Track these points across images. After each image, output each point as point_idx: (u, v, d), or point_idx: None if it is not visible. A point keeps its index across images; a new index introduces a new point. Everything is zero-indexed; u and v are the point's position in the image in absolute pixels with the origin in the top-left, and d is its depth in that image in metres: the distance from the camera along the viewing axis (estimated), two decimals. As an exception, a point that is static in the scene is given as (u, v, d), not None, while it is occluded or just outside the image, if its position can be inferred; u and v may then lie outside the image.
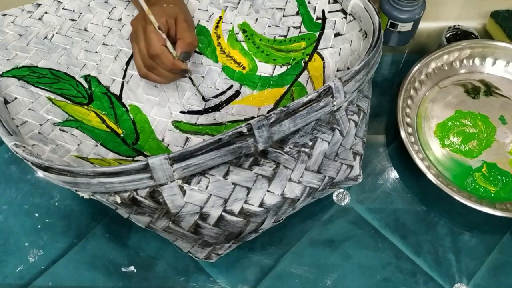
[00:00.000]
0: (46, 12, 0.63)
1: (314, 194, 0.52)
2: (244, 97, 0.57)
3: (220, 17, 0.64)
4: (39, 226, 0.60)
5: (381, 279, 0.56)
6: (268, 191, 0.47)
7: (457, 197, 0.56)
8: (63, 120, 0.53)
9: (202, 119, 0.55)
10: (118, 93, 0.57)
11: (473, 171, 0.61)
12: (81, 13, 0.64)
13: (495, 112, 0.66)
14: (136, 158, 0.52)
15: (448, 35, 0.72)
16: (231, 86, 0.58)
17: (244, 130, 0.40)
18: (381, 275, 0.56)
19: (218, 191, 0.45)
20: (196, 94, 0.57)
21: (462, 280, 0.56)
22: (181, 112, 0.56)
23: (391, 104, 0.69)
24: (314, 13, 0.62)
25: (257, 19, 0.63)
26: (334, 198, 0.61)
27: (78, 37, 0.61)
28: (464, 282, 0.55)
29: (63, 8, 0.64)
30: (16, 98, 0.54)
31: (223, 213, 0.46)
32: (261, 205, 0.47)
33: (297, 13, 0.63)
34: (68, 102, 0.55)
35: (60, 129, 0.52)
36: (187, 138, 0.54)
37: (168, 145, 0.53)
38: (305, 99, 0.43)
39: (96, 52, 0.60)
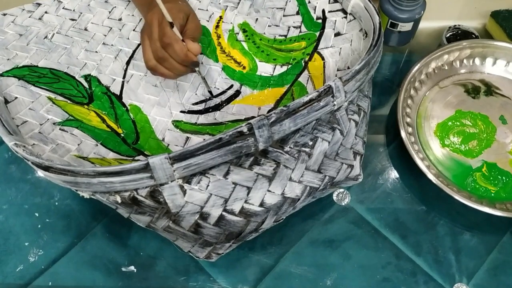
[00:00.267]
0: (46, 12, 0.63)
1: (315, 194, 0.52)
2: (245, 96, 0.57)
3: (220, 17, 0.64)
4: (39, 226, 0.60)
5: (381, 279, 0.56)
6: (269, 190, 0.47)
7: (457, 197, 0.56)
8: (63, 119, 0.53)
9: (202, 119, 0.55)
10: (118, 93, 0.57)
11: (473, 171, 0.61)
12: (81, 13, 0.64)
13: (495, 112, 0.66)
14: (136, 158, 0.52)
15: (448, 35, 0.72)
16: (231, 86, 0.58)
17: (245, 129, 0.40)
18: (381, 275, 0.56)
19: (219, 191, 0.45)
20: (198, 93, 0.57)
21: (462, 280, 0.56)
22: (181, 111, 0.56)
23: (391, 104, 0.69)
24: (314, 13, 0.62)
25: (257, 19, 0.63)
26: (334, 198, 0.61)
27: (78, 36, 0.61)
28: (464, 282, 0.55)
29: (63, 8, 0.64)
30: (16, 97, 0.54)
31: (224, 213, 0.46)
32: (261, 204, 0.47)
33: (297, 13, 0.63)
34: (68, 101, 0.55)
35: (60, 129, 0.52)
36: (187, 138, 0.54)
37: (168, 144, 0.53)
38: (306, 98, 0.43)
39: (96, 51, 0.60)
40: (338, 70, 0.57)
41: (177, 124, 0.55)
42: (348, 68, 0.56)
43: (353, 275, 0.56)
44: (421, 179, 0.59)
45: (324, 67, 0.58)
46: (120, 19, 0.63)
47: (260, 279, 0.56)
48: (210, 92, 0.57)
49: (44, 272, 0.57)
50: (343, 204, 0.61)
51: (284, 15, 0.63)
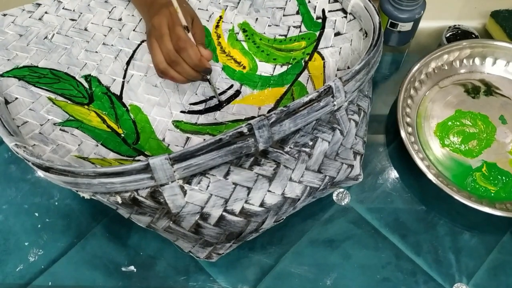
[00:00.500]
0: (46, 12, 0.63)
1: (315, 194, 0.52)
2: (245, 96, 0.57)
3: (220, 17, 0.64)
4: (39, 226, 0.60)
5: (381, 278, 0.56)
6: (269, 191, 0.47)
7: (457, 197, 0.56)
8: (64, 120, 0.53)
9: (202, 119, 0.55)
10: (118, 93, 0.57)
11: (473, 170, 0.61)
12: (81, 13, 0.64)
13: (495, 111, 0.66)
14: (136, 158, 0.52)
15: (448, 35, 0.72)
16: (232, 86, 0.58)
17: (245, 130, 0.40)
18: (381, 274, 0.56)
19: (219, 191, 0.45)
20: (198, 93, 0.57)
21: (462, 279, 0.56)
22: (182, 111, 0.56)
23: (391, 104, 0.69)
24: (314, 13, 0.62)
25: (257, 19, 0.63)
26: (334, 197, 0.61)
27: (78, 37, 0.61)
28: (464, 282, 0.55)
29: (63, 8, 0.64)
30: (16, 98, 0.54)
31: (224, 213, 0.46)
32: (261, 205, 0.47)
33: (297, 13, 0.63)
34: (69, 102, 0.55)
35: (60, 129, 0.52)
36: (188, 138, 0.54)
37: (169, 145, 0.53)
38: (306, 98, 0.43)
39: (96, 52, 0.60)
40: (338, 70, 0.57)
41: (177, 124, 0.55)
42: (348, 68, 0.56)
43: (353, 275, 0.56)
44: (421, 179, 0.59)
45: (324, 66, 0.58)
46: (120, 19, 0.63)
47: (260, 279, 0.56)
48: (219, 100, 0.56)
49: (44, 272, 0.57)
50: (343, 204, 0.61)
51: (284, 15, 0.63)
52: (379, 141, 0.66)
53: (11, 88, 0.55)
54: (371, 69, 0.48)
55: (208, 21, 0.64)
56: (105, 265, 0.57)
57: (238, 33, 0.62)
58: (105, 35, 0.62)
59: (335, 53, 0.58)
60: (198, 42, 0.53)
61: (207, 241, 0.48)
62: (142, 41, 0.61)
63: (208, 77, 0.54)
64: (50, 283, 0.57)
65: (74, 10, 0.64)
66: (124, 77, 0.58)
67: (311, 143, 0.48)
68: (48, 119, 0.53)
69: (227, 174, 0.45)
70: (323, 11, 0.62)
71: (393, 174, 0.63)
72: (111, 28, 0.62)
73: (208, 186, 0.44)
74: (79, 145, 0.51)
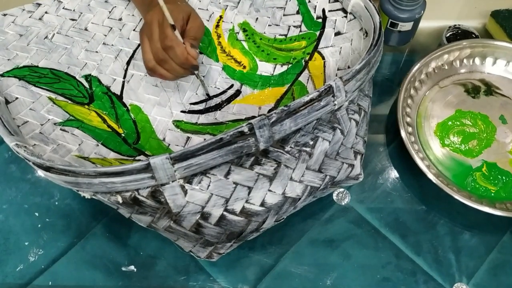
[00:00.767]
0: (46, 12, 0.63)
1: (315, 193, 0.52)
2: (245, 96, 0.57)
3: (221, 16, 0.64)
4: (39, 226, 0.60)
5: (381, 278, 0.56)
6: (269, 190, 0.47)
7: (457, 197, 0.56)
8: (64, 120, 0.53)
9: (203, 119, 0.55)
10: (118, 93, 0.57)
11: (473, 170, 0.61)
12: (81, 13, 0.64)
13: (495, 111, 0.66)
14: (137, 158, 0.52)
15: (448, 35, 0.72)
16: (232, 86, 0.58)
17: (245, 129, 0.40)
18: (381, 274, 0.56)
19: (220, 191, 0.45)
20: (199, 93, 0.57)
21: (462, 279, 0.56)
22: (182, 111, 0.56)
23: (391, 104, 0.69)
24: (315, 12, 0.62)
25: (257, 18, 0.63)
26: (334, 197, 0.61)
27: (79, 36, 0.61)
28: (464, 282, 0.56)
29: (63, 8, 0.64)
30: (17, 98, 0.54)
31: (225, 213, 0.46)
32: (262, 204, 0.47)
33: (298, 12, 0.63)
34: (69, 102, 0.55)
35: (61, 129, 0.52)
36: (188, 138, 0.54)
37: (169, 144, 0.53)
38: (306, 98, 0.43)
39: (96, 51, 0.60)
40: (338, 69, 0.57)
41: (177, 124, 0.55)
42: (349, 67, 0.56)
43: (353, 274, 0.56)
44: (421, 178, 0.59)
45: (324, 66, 0.58)
46: (120, 19, 0.63)
47: (260, 278, 0.56)
48: (207, 94, 0.57)
49: (44, 272, 0.57)
50: (343, 203, 0.61)
51: (284, 15, 0.63)
52: (379, 141, 0.66)
53: (11, 88, 0.55)
54: (371, 68, 0.48)
55: (208, 20, 0.64)
56: (105, 265, 0.57)
57: (238, 32, 0.62)
58: (105, 35, 0.62)
59: (335, 53, 0.58)
60: (191, 38, 0.53)
61: (207, 240, 0.48)
62: (143, 41, 0.61)
63: (196, 72, 0.55)
64: (50, 283, 0.57)
65: (74, 10, 0.64)
66: (125, 77, 0.58)
67: (311, 142, 0.48)
68: (49, 119, 0.53)
69: (227, 173, 0.45)
70: (323, 10, 0.62)
71: (393, 173, 0.63)
72: (111, 28, 0.62)
73: (208, 185, 0.44)
74: (79, 145, 0.51)
